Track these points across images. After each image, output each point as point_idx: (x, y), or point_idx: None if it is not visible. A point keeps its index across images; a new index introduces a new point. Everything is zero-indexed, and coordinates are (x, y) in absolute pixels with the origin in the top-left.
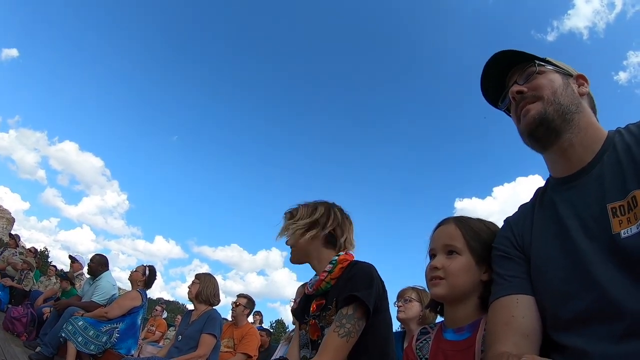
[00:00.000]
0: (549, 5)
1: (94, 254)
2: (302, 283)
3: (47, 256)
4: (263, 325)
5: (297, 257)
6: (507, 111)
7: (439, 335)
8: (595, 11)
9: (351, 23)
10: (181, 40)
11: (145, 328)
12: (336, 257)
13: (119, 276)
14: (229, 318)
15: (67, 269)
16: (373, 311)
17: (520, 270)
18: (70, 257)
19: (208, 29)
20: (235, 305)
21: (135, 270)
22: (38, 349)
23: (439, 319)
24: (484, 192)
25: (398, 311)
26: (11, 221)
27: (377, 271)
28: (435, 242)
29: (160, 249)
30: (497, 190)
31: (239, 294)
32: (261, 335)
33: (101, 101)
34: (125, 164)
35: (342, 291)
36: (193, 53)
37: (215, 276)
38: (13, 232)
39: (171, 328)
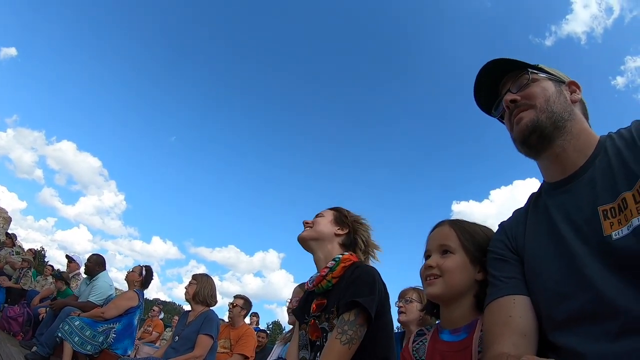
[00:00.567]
0: (547, 10)
1: (91, 254)
2: (299, 283)
3: (44, 256)
4: (260, 326)
5: (309, 237)
6: (501, 119)
7: (435, 336)
8: (593, 16)
9: (351, 25)
10: (180, 39)
11: (142, 328)
12: (340, 256)
13: (116, 276)
14: (226, 319)
15: (63, 268)
16: (375, 316)
17: (515, 272)
18: (67, 256)
19: (206, 28)
20: (232, 306)
21: (132, 271)
22: (34, 348)
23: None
24: (481, 195)
25: (399, 312)
26: (8, 220)
27: (379, 275)
28: (430, 243)
29: (157, 250)
30: (494, 193)
31: (236, 295)
32: (260, 337)
33: (99, 101)
34: (123, 165)
35: (343, 295)
36: (192, 53)
37: (212, 277)
38: (10, 232)
39: (168, 329)
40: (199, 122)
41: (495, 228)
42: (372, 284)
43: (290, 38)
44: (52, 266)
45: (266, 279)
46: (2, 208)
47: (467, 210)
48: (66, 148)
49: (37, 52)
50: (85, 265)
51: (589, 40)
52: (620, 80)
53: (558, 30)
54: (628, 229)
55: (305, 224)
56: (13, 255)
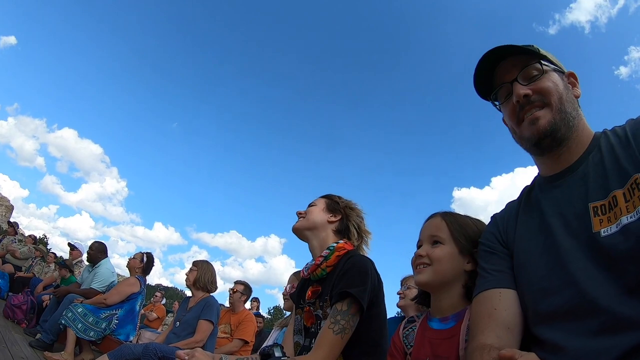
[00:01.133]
0: None
1: (93, 241)
2: (296, 270)
3: (46, 243)
4: (260, 311)
5: (303, 227)
6: (496, 105)
7: (425, 323)
8: (598, 5)
9: (351, 9)
10: (182, 26)
11: (144, 314)
12: (334, 244)
13: (118, 263)
14: (227, 304)
15: (66, 256)
16: (368, 306)
17: (504, 265)
18: (70, 244)
19: (209, 13)
20: (233, 291)
21: (133, 257)
22: (38, 336)
23: None
24: (482, 181)
25: (399, 298)
26: (10, 209)
27: (373, 265)
28: (422, 233)
29: (159, 236)
30: (495, 180)
31: (236, 281)
32: (257, 322)
33: (101, 88)
34: (125, 151)
35: (337, 284)
36: (192, 38)
37: (213, 262)
38: (12, 220)
39: (169, 314)
40: (200, 109)
41: (487, 222)
42: (365, 274)
43: (291, 21)
44: (54, 254)
45: (267, 264)
46: (4, 196)
47: (468, 196)
48: (67, 135)
49: (37, 40)
50: (88, 252)
51: (593, 30)
52: (623, 70)
53: (562, 19)
54: (617, 227)
55: (299, 214)
56: (15, 243)
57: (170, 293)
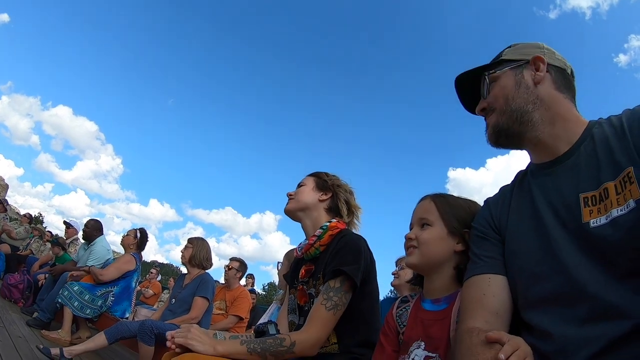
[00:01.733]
0: None
1: (88, 218)
2: (290, 249)
3: (42, 222)
4: (255, 287)
5: (294, 208)
6: None
7: (418, 304)
8: None
9: None
10: (175, 2)
11: (140, 290)
12: (327, 223)
13: (114, 240)
14: (222, 281)
15: (62, 234)
16: (360, 283)
17: (495, 251)
18: (65, 222)
19: None
20: (228, 268)
21: (127, 235)
22: (35, 314)
23: None
24: (477, 163)
25: (394, 278)
26: (5, 188)
27: (366, 243)
28: (413, 216)
29: (154, 213)
30: (490, 162)
31: (232, 258)
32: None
33: (95, 64)
34: (120, 128)
35: (330, 263)
36: (187, 14)
37: (209, 239)
38: (7, 199)
39: (165, 290)
40: (196, 85)
41: (481, 204)
42: (358, 252)
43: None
44: (50, 232)
45: (263, 241)
46: None
47: (463, 177)
48: (62, 113)
49: (30, 17)
50: (83, 230)
51: (594, 16)
52: (623, 59)
53: (563, 4)
54: (606, 219)
55: (289, 195)
56: (7, 220)
57: (166, 269)
